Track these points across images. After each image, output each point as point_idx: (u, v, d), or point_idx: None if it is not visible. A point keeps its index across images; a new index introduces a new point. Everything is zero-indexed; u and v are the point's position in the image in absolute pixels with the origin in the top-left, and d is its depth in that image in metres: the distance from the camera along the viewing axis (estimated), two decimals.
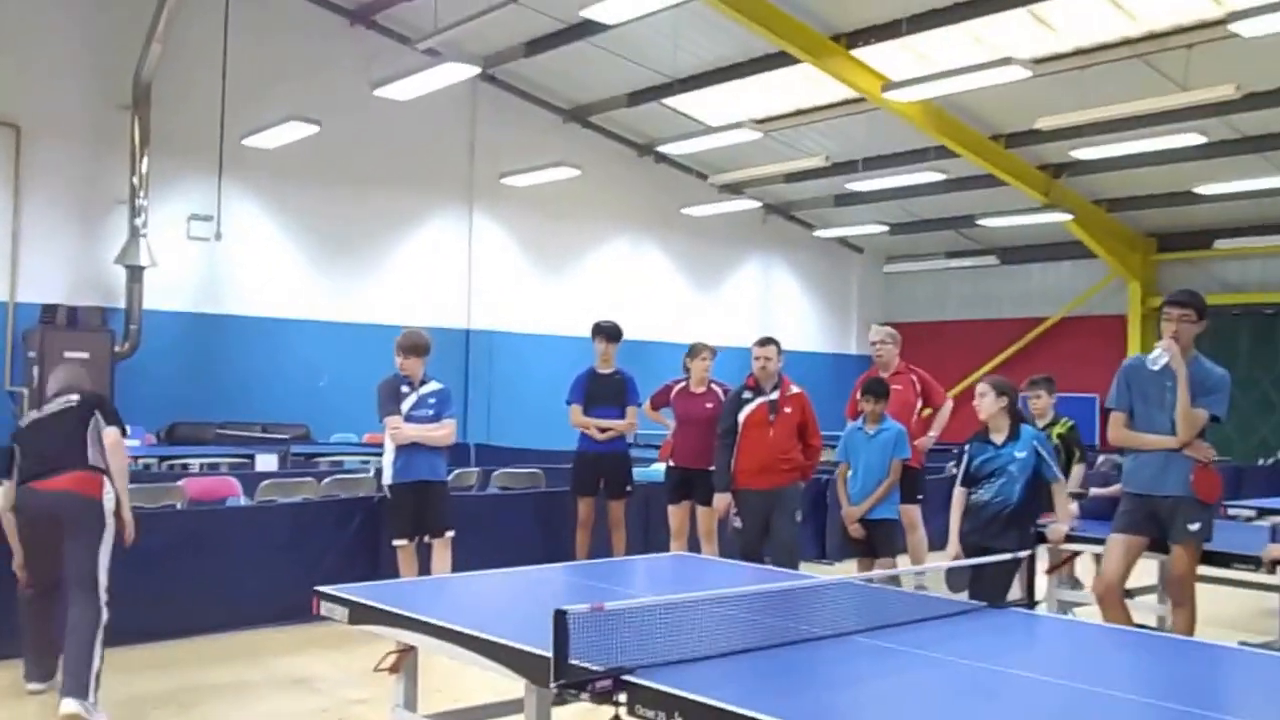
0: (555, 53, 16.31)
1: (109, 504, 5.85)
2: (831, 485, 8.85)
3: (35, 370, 13.64)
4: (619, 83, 17.60)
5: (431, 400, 7.75)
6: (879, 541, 7.58)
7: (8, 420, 13.65)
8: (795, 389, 7.82)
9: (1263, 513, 8.75)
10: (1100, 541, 6.39)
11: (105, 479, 5.88)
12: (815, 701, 3.29)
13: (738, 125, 15.33)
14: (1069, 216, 18.24)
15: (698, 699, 3.03)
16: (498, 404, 18.02)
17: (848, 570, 8.25)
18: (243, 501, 8.84)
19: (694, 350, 8.91)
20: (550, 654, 3.27)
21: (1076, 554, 7.68)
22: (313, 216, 16.57)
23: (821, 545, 10.92)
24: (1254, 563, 6.20)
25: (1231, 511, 9.13)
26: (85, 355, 13.55)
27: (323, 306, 16.65)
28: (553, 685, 3.28)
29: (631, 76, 17.24)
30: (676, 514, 8.82)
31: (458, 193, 18.13)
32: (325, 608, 4.53)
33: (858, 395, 7.82)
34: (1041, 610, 6.10)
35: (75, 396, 6.14)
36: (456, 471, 9.78)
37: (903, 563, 8.07)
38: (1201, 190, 16.99)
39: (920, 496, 8.54)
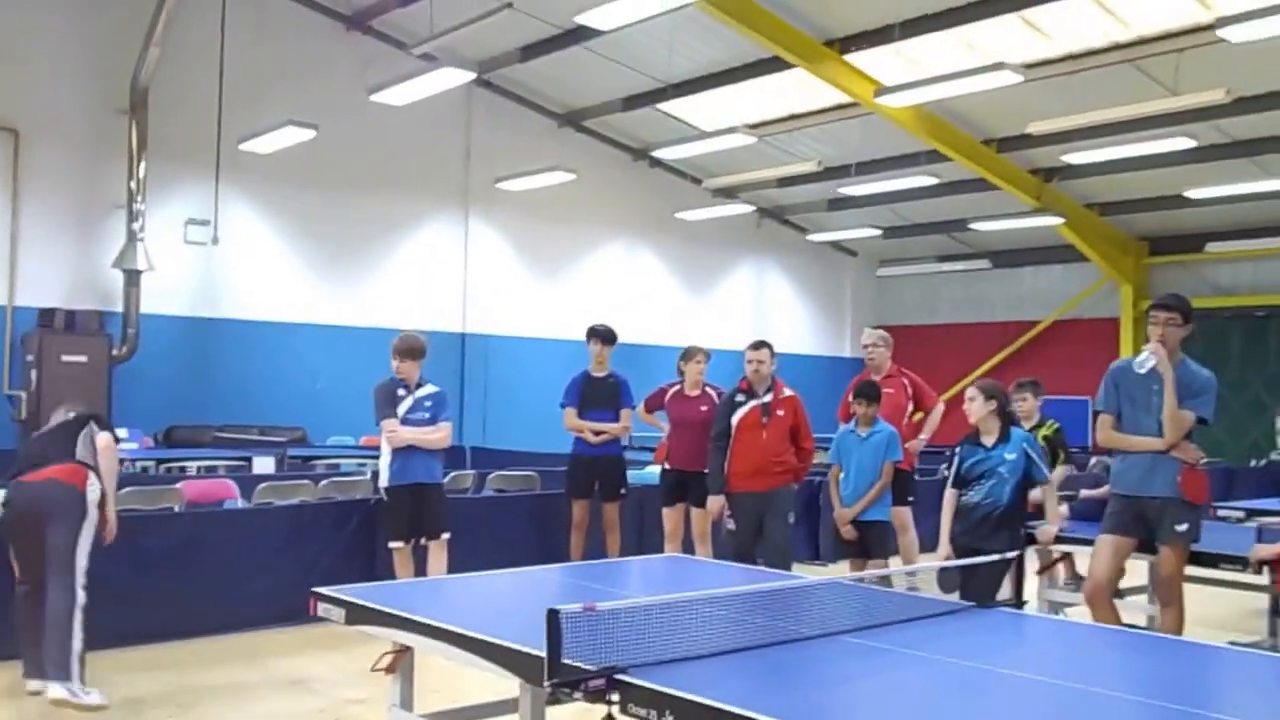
0: (550, 58, 16.37)
1: (92, 495, 5.99)
2: (824, 487, 8.91)
3: (33, 374, 13.68)
4: (613, 88, 17.67)
5: (427, 403, 7.80)
6: (871, 543, 7.61)
7: (6, 422, 13.76)
8: (788, 392, 7.88)
9: (1252, 514, 8.78)
10: (1089, 542, 6.45)
11: (90, 473, 6.04)
12: (805, 699, 3.31)
13: (731, 130, 15.40)
14: (1060, 220, 18.32)
15: (689, 697, 3.06)
16: (493, 407, 18.07)
17: (840, 572, 8.30)
18: (240, 504, 8.87)
19: (688, 353, 8.97)
20: (544, 654, 3.30)
21: (1067, 554, 7.74)
22: (309, 221, 16.62)
23: (815, 547, 10.98)
24: (1241, 563, 6.22)
25: (1221, 513, 9.18)
26: (83, 359, 13.65)
27: (319, 310, 16.69)
28: (546, 684, 3.30)
29: (626, 81, 17.30)
30: (671, 516, 8.87)
31: (453, 197, 18.18)
32: (322, 609, 4.56)
33: (850, 398, 7.86)
34: (1032, 610, 6.17)
35: (73, 413, 6.35)
36: (452, 474, 9.84)
37: (895, 564, 8.12)
38: (1192, 194, 17.07)
39: (911, 499, 8.58)
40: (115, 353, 14.33)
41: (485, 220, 18.48)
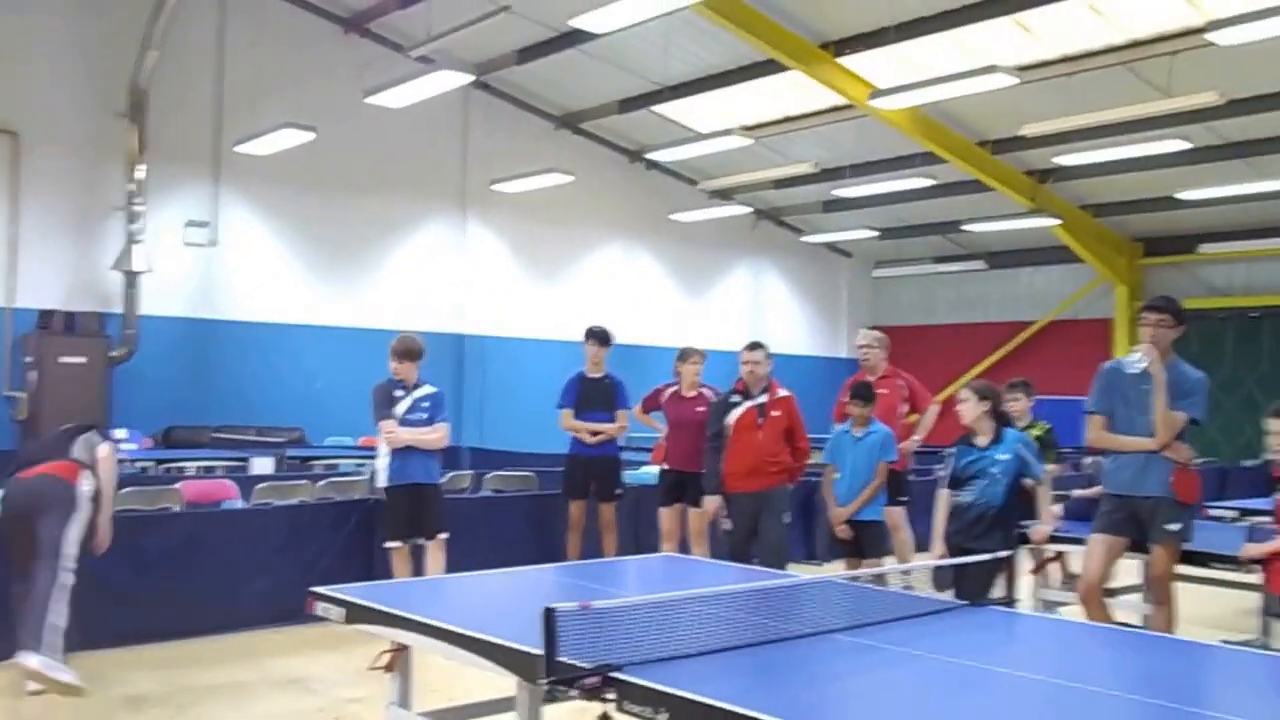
0: (547, 60, 16.41)
1: (84, 489, 6.08)
2: (819, 487, 8.95)
3: (32, 375, 13.72)
4: (610, 90, 17.71)
5: (425, 404, 7.85)
6: (866, 542, 7.66)
7: (5, 423, 13.80)
8: (783, 392, 7.92)
9: (1244, 513, 8.80)
10: (1082, 542, 6.49)
11: (84, 471, 6.14)
12: (799, 697, 3.33)
13: (727, 132, 15.45)
14: (1056, 221, 18.36)
15: (684, 695, 3.09)
16: (490, 408, 18.11)
17: (835, 571, 8.33)
18: (239, 504, 8.90)
19: (684, 355, 9.03)
20: (541, 652, 3.33)
21: (1060, 554, 7.79)
22: (307, 222, 16.66)
23: (810, 546, 11.03)
24: (1233, 562, 6.24)
25: (1214, 512, 9.23)
26: (82, 360, 13.69)
27: (317, 311, 16.73)
28: (543, 682, 3.33)
29: (622, 84, 17.35)
30: (668, 516, 8.92)
31: (451, 199, 18.22)
32: (321, 608, 4.57)
33: (845, 399, 7.91)
34: (1026, 609, 6.21)
35: (73, 424, 6.49)
36: (450, 474, 9.87)
37: (889, 564, 8.17)
38: (1186, 195, 17.12)
39: (904, 499, 8.65)
40: (114, 354, 14.38)
41: (483, 222, 18.52)
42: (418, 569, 7.74)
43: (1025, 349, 21.75)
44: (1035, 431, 7.83)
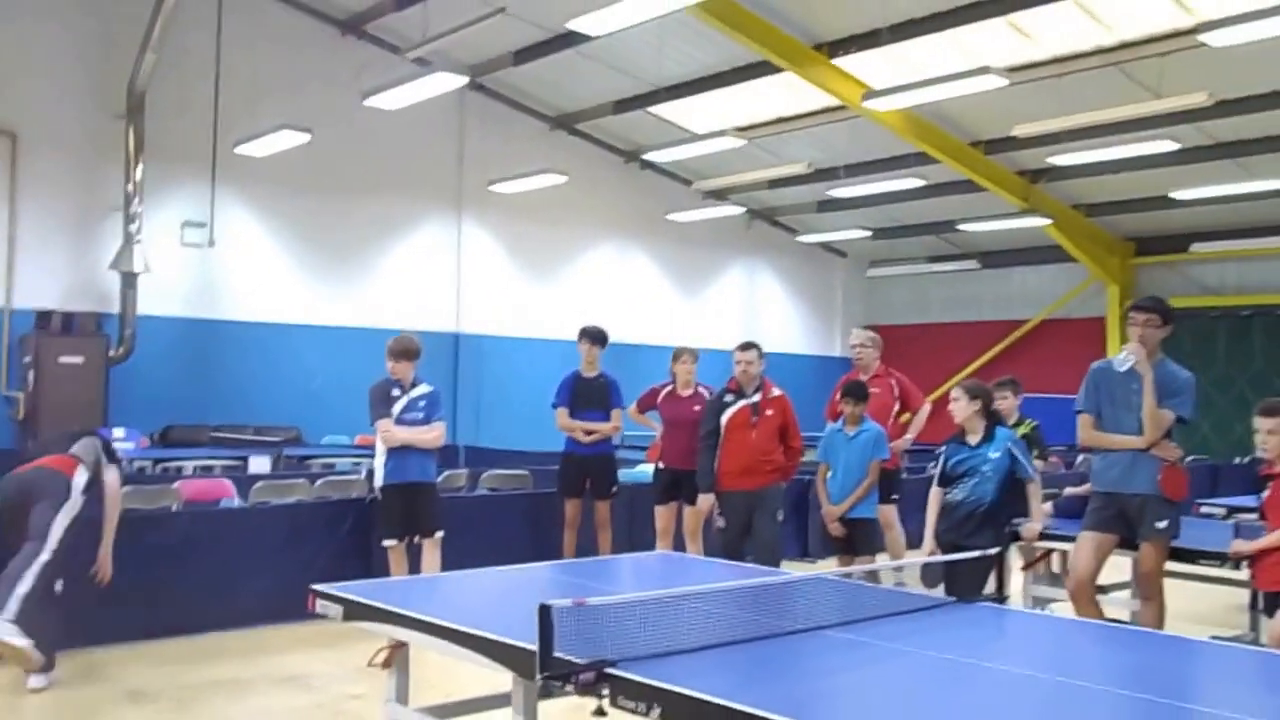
0: (542, 62, 16.45)
1: (78, 482, 6.21)
2: (812, 486, 9.02)
3: (31, 375, 13.76)
4: (605, 91, 17.75)
5: (421, 403, 7.89)
6: (859, 540, 7.72)
7: (4, 422, 13.84)
8: (776, 392, 7.97)
9: (1233, 511, 8.85)
10: (1072, 539, 6.55)
11: (81, 465, 6.28)
12: (790, 692, 3.36)
13: (722, 133, 15.52)
14: (1048, 221, 18.40)
15: (677, 690, 3.12)
16: (486, 407, 18.16)
17: (828, 568, 8.40)
18: (237, 503, 8.94)
19: (675, 354, 9.12)
20: (536, 648, 3.35)
21: (1050, 551, 7.86)
22: (304, 223, 16.70)
23: (803, 544, 11.09)
24: (1221, 559, 6.30)
25: (1204, 509, 9.30)
26: (80, 360, 13.74)
27: (314, 311, 16.76)
28: (538, 678, 3.36)
29: (617, 85, 17.39)
30: (664, 514, 8.99)
31: (447, 199, 18.26)
32: (321, 605, 4.60)
33: (838, 397, 7.98)
34: (1017, 606, 6.28)
35: (76, 429, 6.71)
36: (446, 473, 9.90)
37: (881, 561, 8.24)
38: (1177, 195, 17.17)
39: (896, 496, 8.72)
40: (112, 354, 14.40)
41: (478, 222, 18.57)
42: (414, 567, 7.78)
43: (1018, 348, 21.82)
44: (1022, 429, 7.91)
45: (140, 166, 14.49)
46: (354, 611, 4.46)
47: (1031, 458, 6.92)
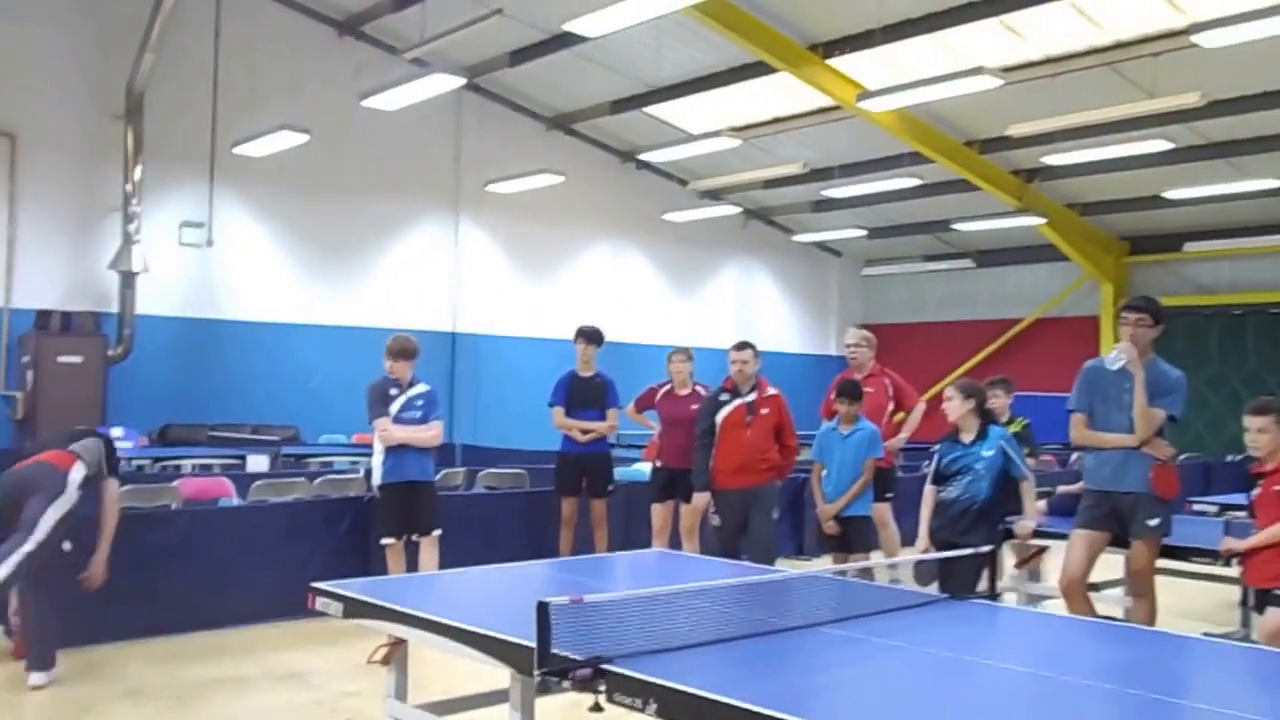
0: (539, 62, 16.47)
1: (74, 477, 6.24)
2: (807, 484, 9.06)
3: (30, 374, 13.79)
4: (601, 91, 17.79)
5: (419, 402, 7.92)
6: (853, 538, 7.74)
7: (3, 422, 13.88)
8: (772, 390, 8.00)
9: (1225, 509, 8.90)
10: (1065, 537, 6.59)
11: (78, 462, 6.31)
12: (784, 687, 3.38)
13: (717, 133, 15.57)
14: (1042, 220, 18.47)
15: (672, 686, 3.15)
16: (483, 405, 18.20)
17: (823, 566, 8.45)
18: (235, 502, 8.97)
19: (670, 355, 9.18)
20: (534, 645, 3.38)
21: (1045, 549, 7.90)
22: (302, 223, 16.73)
23: (799, 542, 11.14)
24: (1213, 556, 6.31)
25: (1197, 507, 9.35)
26: (79, 359, 13.77)
27: (312, 311, 16.80)
28: (536, 674, 3.38)
29: (614, 85, 17.43)
30: (660, 512, 9.02)
31: (444, 199, 18.30)
32: (320, 603, 4.61)
33: (832, 396, 8.01)
34: (1009, 602, 6.32)
35: (78, 428, 6.72)
36: (443, 471, 9.93)
37: (876, 559, 8.28)
38: (1170, 194, 17.24)
39: (890, 495, 8.76)
40: (111, 353, 14.43)
41: (475, 222, 18.61)
42: (412, 565, 7.81)
43: (1013, 346, 21.89)
44: (1013, 428, 7.93)
45: (139, 167, 14.52)
46: (354, 609, 4.48)
47: (1024, 456, 6.95)
